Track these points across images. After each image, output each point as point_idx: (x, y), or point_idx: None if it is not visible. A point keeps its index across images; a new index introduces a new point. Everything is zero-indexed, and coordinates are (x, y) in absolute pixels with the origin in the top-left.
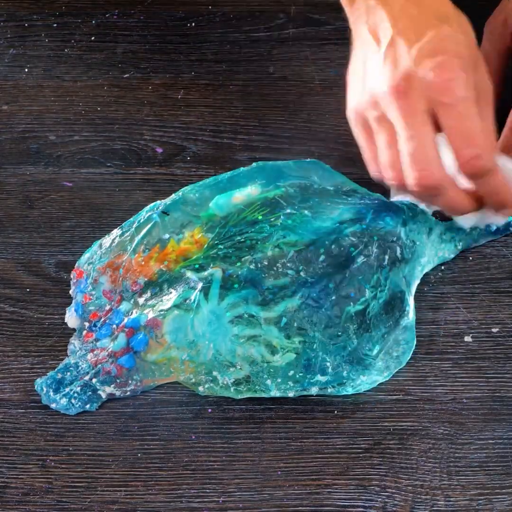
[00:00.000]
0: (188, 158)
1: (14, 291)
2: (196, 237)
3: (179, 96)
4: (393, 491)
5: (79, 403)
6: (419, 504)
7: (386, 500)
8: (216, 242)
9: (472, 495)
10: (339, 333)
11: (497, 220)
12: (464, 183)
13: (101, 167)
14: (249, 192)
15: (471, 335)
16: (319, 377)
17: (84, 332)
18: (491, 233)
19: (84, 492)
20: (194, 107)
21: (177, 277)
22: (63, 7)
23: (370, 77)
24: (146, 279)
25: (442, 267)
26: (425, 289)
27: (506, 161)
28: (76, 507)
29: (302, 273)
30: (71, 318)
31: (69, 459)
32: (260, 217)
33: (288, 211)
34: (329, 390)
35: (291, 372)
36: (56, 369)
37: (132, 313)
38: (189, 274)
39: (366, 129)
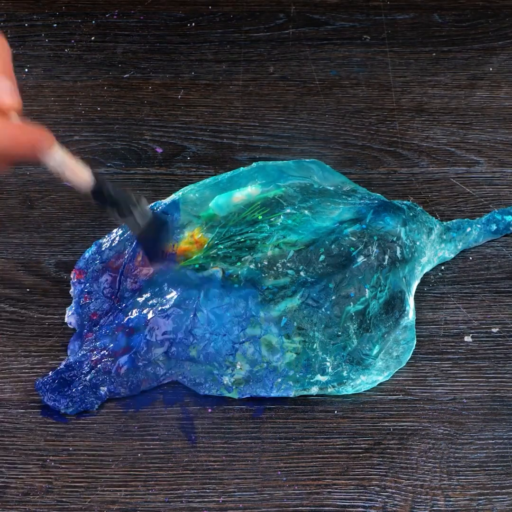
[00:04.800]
0: (188, 158)
1: (14, 291)
2: (196, 237)
3: (179, 96)
4: (393, 491)
5: (79, 403)
6: (419, 504)
7: (386, 500)
8: (216, 242)
9: (472, 495)
10: (339, 333)
11: None
12: None
13: (101, 167)
14: (249, 192)
15: (471, 335)
16: (319, 377)
17: (84, 332)
18: (491, 233)
19: (84, 492)
20: (194, 107)
21: (177, 277)
22: (63, 7)
23: None
24: (146, 279)
25: (442, 267)
26: (425, 289)
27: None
28: (76, 507)
29: (302, 273)
30: (71, 318)
31: (69, 459)
32: (260, 217)
33: (288, 211)
34: (329, 390)
35: (291, 372)
36: (56, 369)
37: (132, 313)
38: (189, 274)
39: None
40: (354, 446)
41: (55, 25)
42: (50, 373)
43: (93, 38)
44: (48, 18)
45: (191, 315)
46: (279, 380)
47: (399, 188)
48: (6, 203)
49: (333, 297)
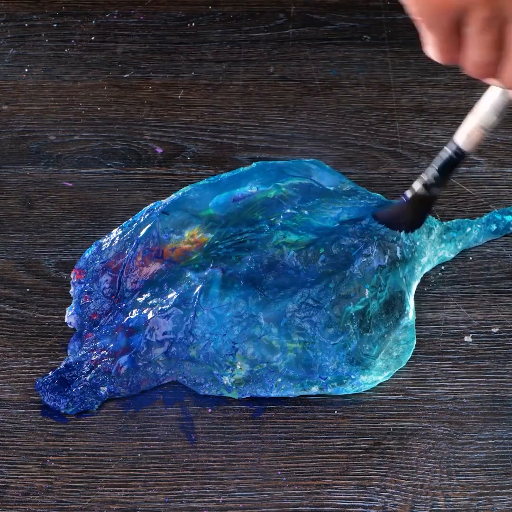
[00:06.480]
0: (188, 158)
1: (14, 291)
2: (196, 237)
3: (179, 96)
4: (393, 491)
5: (80, 403)
6: (419, 504)
7: (386, 500)
8: (216, 242)
9: (472, 495)
10: (339, 333)
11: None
12: None
13: (101, 167)
14: (249, 192)
15: (471, 335)
16: (319, 377)
17: (84, 332)
18: (491, 233)
19: (84, 492)
20: (194, 107)
21: (177, 277)
22: (63, 7)
23: None
24: (146, 279)
25: (442, 267)
26: (425, 289)
27: None
28: (76, 507)
29: (302, 273)
30: (71, 318)
31: (69, 459)
32: (260, 217)
33: (288, 211)
34: (329, 390)
35: (291, 372)
36: (56, 369)
37: (132, 313)
38: (189, 274)
39: (452, 25)
40: (354, 446)
41: (55, 25)
42: (50, 373)
43: (93, 38)
44: (48, 18)
45: (191, 315)
46: (279, 380)
47: (399, 188)
48: (6, 203)
49: (333, 297)
